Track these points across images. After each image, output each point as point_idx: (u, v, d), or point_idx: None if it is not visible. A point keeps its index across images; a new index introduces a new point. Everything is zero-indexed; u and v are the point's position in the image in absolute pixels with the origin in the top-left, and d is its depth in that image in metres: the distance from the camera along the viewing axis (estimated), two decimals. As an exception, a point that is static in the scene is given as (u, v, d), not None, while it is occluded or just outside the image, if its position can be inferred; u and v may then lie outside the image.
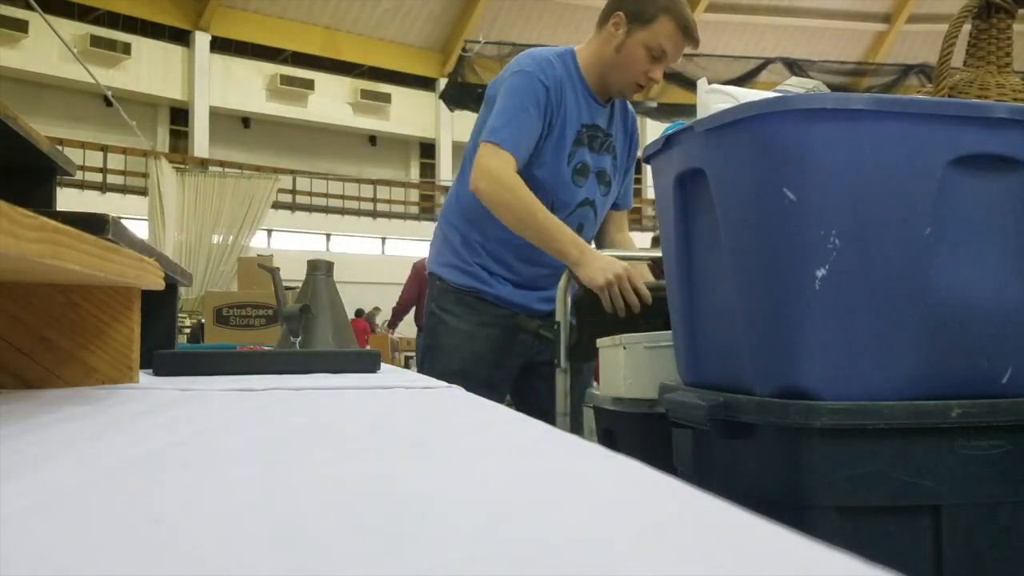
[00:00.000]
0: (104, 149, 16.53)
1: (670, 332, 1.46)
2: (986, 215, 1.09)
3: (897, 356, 1.07)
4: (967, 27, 1.40)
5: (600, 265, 1.80)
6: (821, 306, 1.05)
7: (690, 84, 10.06)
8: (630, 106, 2.17)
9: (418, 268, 8.38)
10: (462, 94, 11.77)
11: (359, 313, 13.15)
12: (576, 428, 1.98)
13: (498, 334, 2.04)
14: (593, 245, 2.07)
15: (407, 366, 10.27)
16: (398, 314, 8.05)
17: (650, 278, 1.91)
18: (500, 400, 2.07)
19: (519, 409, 2.05)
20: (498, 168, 1.84)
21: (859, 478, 1.03)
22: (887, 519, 1.05)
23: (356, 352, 1.44)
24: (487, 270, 2.04)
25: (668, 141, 1.34)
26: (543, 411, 1.97)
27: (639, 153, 1.95)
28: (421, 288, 8.57)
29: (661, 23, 1.89)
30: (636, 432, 1.63)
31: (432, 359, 2.08)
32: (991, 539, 1.06)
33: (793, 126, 1.06)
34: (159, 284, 0.99)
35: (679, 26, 1.89)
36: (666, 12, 1.89)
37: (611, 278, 1.78)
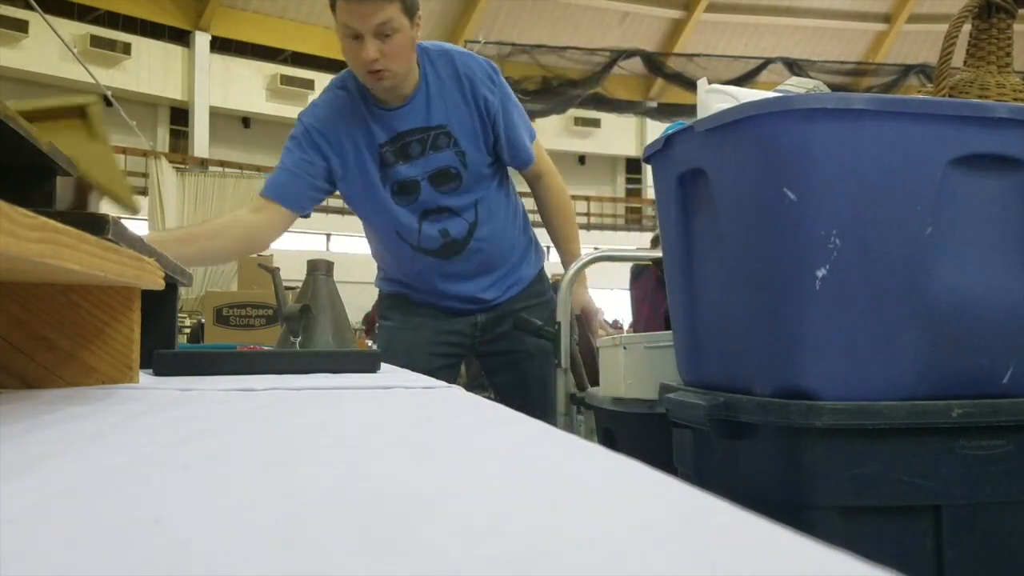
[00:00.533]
0: (104, 149, 16.53)
1: (670, 332, 1.46)
2: (987, 215, 1.09)
3: (897, 356, 1.07)
4: (967, 27, 1.40)
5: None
6: (822, 306, 1.05)
7: (690, 84, 10.07)
8: (462, 61, 1.90)
9: None
10: (462, 94, 11.76)
11: None
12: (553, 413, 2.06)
13: (425, 323, 2.05)
14: (482, 232, 1.96)
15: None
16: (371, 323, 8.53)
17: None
18: (454, 377, 2.13)
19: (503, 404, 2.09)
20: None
21: (860, 478, 1.03)
22: (888, 519, 1.05)
23: (356, 352, 1.44)
24: (406, 284, 2.07)
25: (668, 141, 1.34)
26: (521, 404, 1.96)
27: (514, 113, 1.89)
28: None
29: (337, 4, 1.77)
30: (636, 432, 1.63)
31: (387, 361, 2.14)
32: (992, 539, 1.06)
33: (793, 126, 1.06)
34: (159, 284, 0.99)
35: None
36: None
37: None
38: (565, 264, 2.11)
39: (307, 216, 1.95)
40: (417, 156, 1.88)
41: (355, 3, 1.73)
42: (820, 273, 1.04)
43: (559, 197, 2.08)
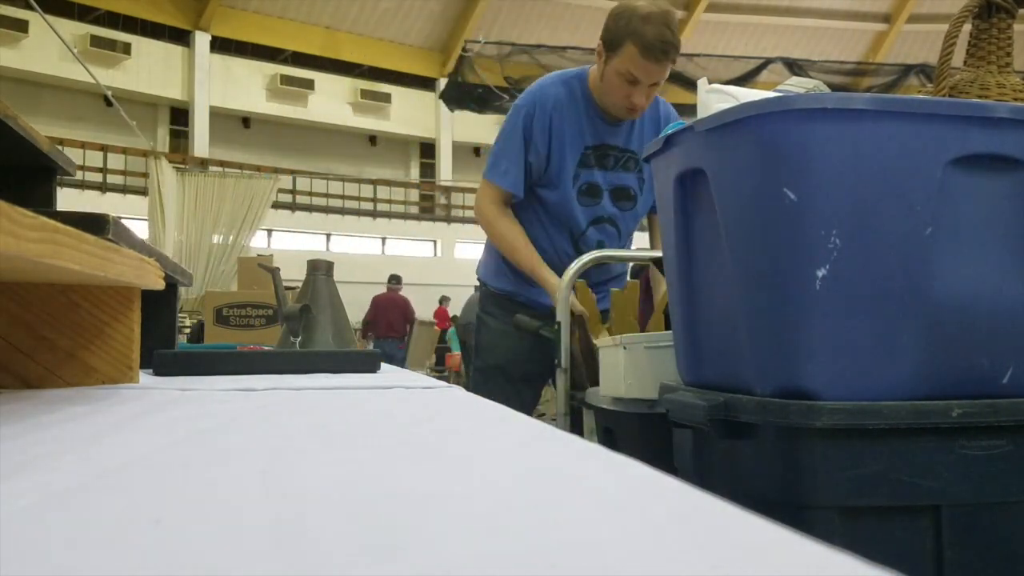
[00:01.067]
0: (104, 149, 16.53)
1: (670, 332, 1.46)
2: (987, 215, 1.09)
3: (897, 356, 1.06)
4: (967, 27, 1.40)
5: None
6: (822, 306, 1.05)
7: (690, 84, 10.06)
8: (665, 108, 2.20)
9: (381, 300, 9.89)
10: (462, 94, 11.78)
11: (442, 300, 13.69)
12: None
13: (528, 336, 2.21)
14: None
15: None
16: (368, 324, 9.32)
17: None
18: (538, 394, 2.37)
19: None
20: (485, 206, 2.17)
21: (859, 478, 1.03)
22: (887, 519, 1.05)
23: (356, 352, 1.44)
24: (520, 276, 2.22)
25: (668, 141, 1.33)
26: None
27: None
28: (376, 312, 9.99)
29: (626, 49, 1.95)
30: (636, 432, 1.63)
31: (476, 355, 2.37)
32: (992, 539, 1.06)
33: (794, 126, 1.06)
34: (159, 284, 0.99)
35: (641, 49, 1.93)
36: (629, 37, 1.94)
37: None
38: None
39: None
40: (610, 168, 2.14)
41: (652, 63, 1.95)
42: (820, 273, 1.04)
43: None
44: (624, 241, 2.28)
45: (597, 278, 2.25)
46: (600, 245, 2.18)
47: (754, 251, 1.13)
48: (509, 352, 2.24)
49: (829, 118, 1.04)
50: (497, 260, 2.28)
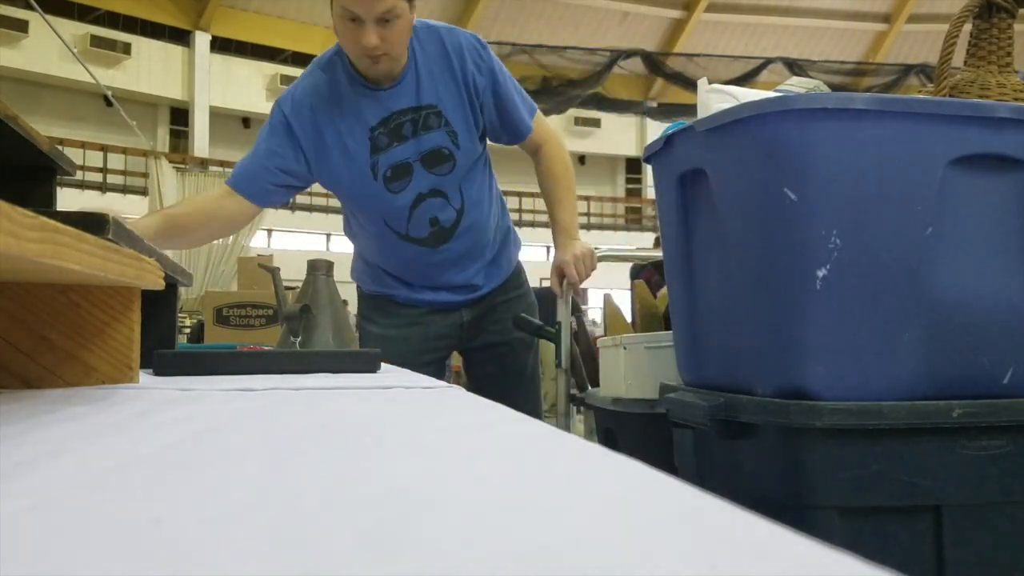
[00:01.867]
0: (104, 149, 16.54)
1: (670, 332, 1.46)
2: (987, 215, 1.09)
3: (898, 356, 1.06)
4: (967, 27, 1.40)
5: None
6: (822, 306, 1.05)
7: (690, 84, 10.06)
8: (450, 36, 1.84)
9: None
10: (462, 94, 11.76)
11: None
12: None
13: (413, 332, 2.02)
14: (469, 218, 1.91)
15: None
16: None
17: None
18: (441, 371, 2.11)
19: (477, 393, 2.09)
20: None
21: (860, 478, 1.03)
22: (888, 519, 1.05)
23: (356, 352, 1.44)
24: (396, 277, 2.01)
25: (669, 141, 1.33)
26: (500, 395, 1.90)
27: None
28: None
29: None
30: (637, 432, 1.63)
31: None
32: (992, 539, 1.06)
33: (794, 126, 1.06)
34: (159, 284, 0.99)
35: None
36: None
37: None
38: (555, 236, 1.95)
39: (276, 206, 1.94)
40: (410, 136, 1.81)
41: None
42: (821, 273, 1.04)
43: (557, 162, 1.99)
44: (468, 204, 1.90)
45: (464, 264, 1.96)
46: (433, 223, 1.87)
47: (755, 251, 1.13)
48: (396, 359, 1.90)
49: (830, 118, 1.04)
50: (366, 262, 2.05)
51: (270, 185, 1.83)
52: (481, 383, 2.13)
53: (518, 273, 2.12)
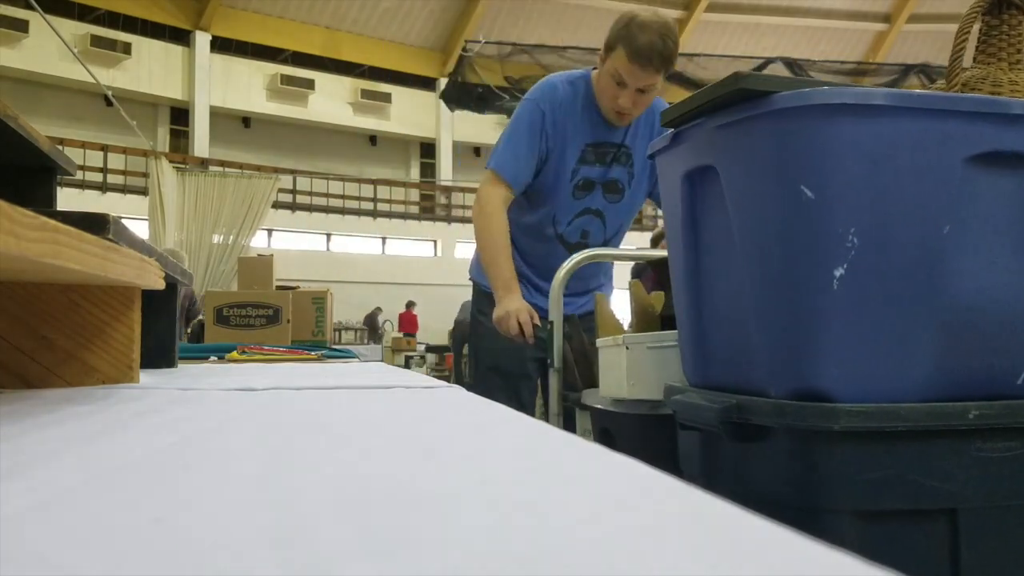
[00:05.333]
0: (104, 149, 16.52)
1: (673, 332, 1.45)
2: (1005, 213, 1.07)
3: (913, 356, 1.04)
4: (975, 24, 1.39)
5: (507, 306, 2.10)
6: (839, 306, 1.03)
7: (691, 84, 10.06)
8: (655, 105, 2.22)
9: None
10: (462, 94, 11.77)
11: (408, 305, 16.40)
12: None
13: None
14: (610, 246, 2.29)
15: (407, 366, 10.29)
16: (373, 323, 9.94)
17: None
18: (535, 391, 2.37)
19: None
20: (486, 196, 2.18)
21: (875, 481, 1.01)
22: (904, 523, 1.03)
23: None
24: (526, 264, 2.27)
25: (676, 137, 1.32)
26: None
27: None
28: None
29: (618, 51, 2.02)
30: (637, 433, 1.63)
31: (475, 358, 2.44)
32: (1009, 542, 1.04)
33: (812, 121, 1.03)
34: (159, 284, 0.99)
35: (629, 53, 1.99)
36: (621, 41, 2.01)
37: (502, 315, 2.09)
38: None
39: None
40: (606, 163, 2.21)
41: (638, 68, 2.00)
42: (838, 273, 1.02)
43: None
44: (609, 233, 2.29)
45: (580, 288, 2.28)
46: (584, 235, 2.25)
47: (769, 250, 1.10)
48: (503, 352, 2.24)
49: (849, 113, 1.02)
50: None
51: (529, 177, 2.18)
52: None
53: (593, 313, 2.29)
